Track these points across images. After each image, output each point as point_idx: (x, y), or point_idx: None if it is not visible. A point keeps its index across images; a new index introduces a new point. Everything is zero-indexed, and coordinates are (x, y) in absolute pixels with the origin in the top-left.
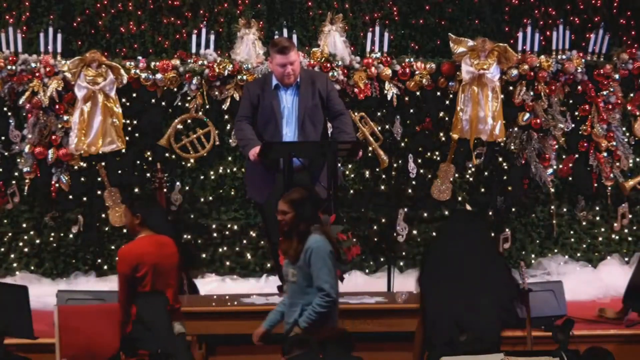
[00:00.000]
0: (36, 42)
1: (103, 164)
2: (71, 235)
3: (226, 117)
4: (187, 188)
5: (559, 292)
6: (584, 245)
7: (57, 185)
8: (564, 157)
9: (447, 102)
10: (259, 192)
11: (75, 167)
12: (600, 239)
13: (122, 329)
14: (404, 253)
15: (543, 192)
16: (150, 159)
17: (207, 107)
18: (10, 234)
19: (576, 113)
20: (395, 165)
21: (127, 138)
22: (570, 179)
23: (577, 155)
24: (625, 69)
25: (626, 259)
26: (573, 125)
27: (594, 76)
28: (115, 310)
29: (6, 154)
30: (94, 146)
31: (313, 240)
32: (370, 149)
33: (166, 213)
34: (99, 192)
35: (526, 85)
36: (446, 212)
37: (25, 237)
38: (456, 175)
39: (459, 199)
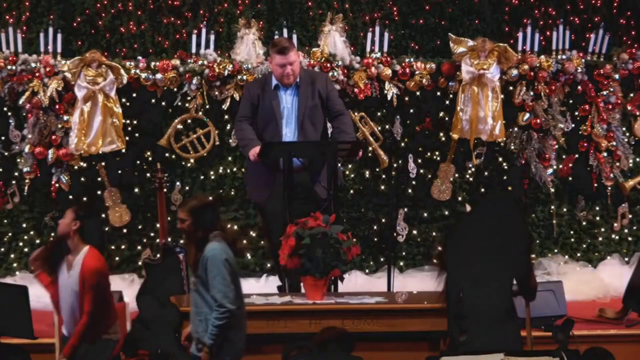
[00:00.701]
0: (36, 42)
1: (103, 164)
2: None
3: (226, 117)
4: (187, 188)
5: (559, 292)
6: (584, 245)
7: (57, 185)
8: (564, 157)
9: (447, 102)
10: (259, 192)
11: (75, 167)
12: (600, 239)
13: (85, 335)
14: (404, 253)
15: (543, 192)
16: (150, 159)
17: (207, 107)
18: (10, 234)
19: (576, 113)
20: (395, 165)
21: (127, 138)
22: (570, 179)
23: (577, 155)
24: (625, 69)
25: (626, 259)
26: (573, 125)
27: (594, 76)
28: (116, 309)
29: (6, 154)
30: (94, 146)
31: (210, 248)
32: (370, 149)
33: (102, 229)
34: (99, 192)
35: (526, 85)
36: (446, 212)
37: (25, 237)
38: (456, 175)
39: (459, 199)
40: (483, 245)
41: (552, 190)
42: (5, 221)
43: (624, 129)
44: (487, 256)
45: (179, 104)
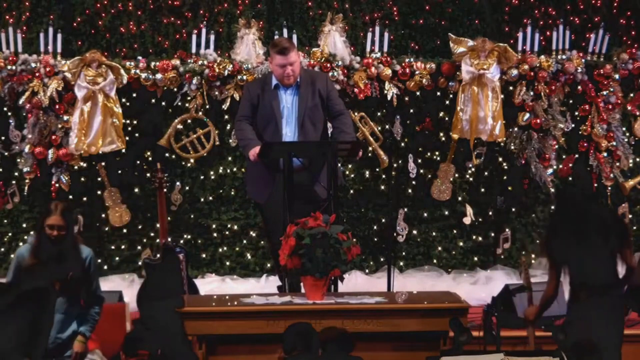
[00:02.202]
0: (36, 42)
1: (103, 164)
2: None
3: (226, 117)
4: (187, 188)
5: (559, 292)
6: None
7: (57, 185)
8: (564, 157)
9: (447, 102)
10: (259, 192)
11: (75, 167)
12: None
13: None
14: (404, 253)
15: (543, 192)
16: (150, 159)
17: (207, 107)
18: (10, 234)
19: (576, 113)
20: (395, 165)
21: (127, 138)
22: (570, 179)
23: (577, 155)
24: (625, 69)
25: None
26: (573, 125)
27: (594, 76)
28: (116, 309)
29: (6, 154)
30: (94, 146)
31: (88, 250)
32: (370, 149)
33: None
34: (99, 192)
35: (526, 85)
36: (446, 212)
37: (25, 237)
38: (456, 175)
39: (459, 199)
40: (579, 232)
41: (552, 190)
42: (5, 221)
43: (624, 129)
44: (585, 240)
45: (179, 104)
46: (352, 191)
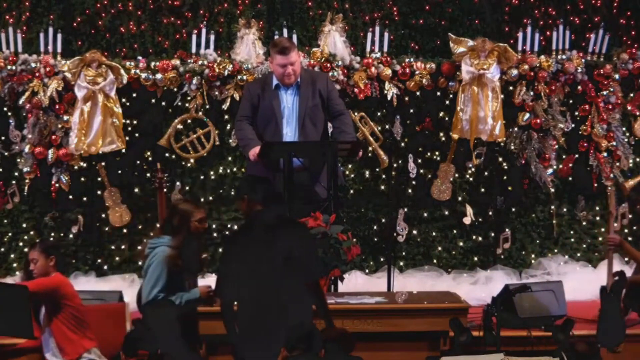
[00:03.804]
0: (36, 42)
1: (103, 164)
2: (71, 235)
3: (226, 117)
4: (187, 188)
5: (559, 292)
6: (584, 245)
7: (57, 185)
8: (564, 157)
9: (447, 102)
10: None
11: (75, 167)
12: (600, 239)
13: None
14: (404, 253)
15: (543, 192)
16: (150, 159)
17: (207, 107)
18: (10, 234)
19: (576, 113)
20: (395, 165)
21: (127, 138)
22: (570, 179)
23: (577, 155)
24: (625, 69)
25: (626, 259)
26: (573, 125)
27: (594, 76)
28: (116, 309)
29: (6, 154)
30: (94, 146)
31: None
32: (370, 149)
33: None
34: (99, 192)
35: (526, 85)
36: (446, 212)
37: (25, 237)
38: (456, 175)
39: (459, 199)
40: None
41: (552, 190)
42: (5, 221)
43: (624, 129)
44: None
45: (179, 104)
46: (352, 191)
